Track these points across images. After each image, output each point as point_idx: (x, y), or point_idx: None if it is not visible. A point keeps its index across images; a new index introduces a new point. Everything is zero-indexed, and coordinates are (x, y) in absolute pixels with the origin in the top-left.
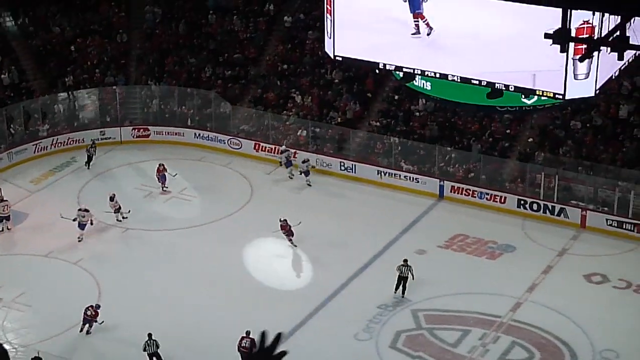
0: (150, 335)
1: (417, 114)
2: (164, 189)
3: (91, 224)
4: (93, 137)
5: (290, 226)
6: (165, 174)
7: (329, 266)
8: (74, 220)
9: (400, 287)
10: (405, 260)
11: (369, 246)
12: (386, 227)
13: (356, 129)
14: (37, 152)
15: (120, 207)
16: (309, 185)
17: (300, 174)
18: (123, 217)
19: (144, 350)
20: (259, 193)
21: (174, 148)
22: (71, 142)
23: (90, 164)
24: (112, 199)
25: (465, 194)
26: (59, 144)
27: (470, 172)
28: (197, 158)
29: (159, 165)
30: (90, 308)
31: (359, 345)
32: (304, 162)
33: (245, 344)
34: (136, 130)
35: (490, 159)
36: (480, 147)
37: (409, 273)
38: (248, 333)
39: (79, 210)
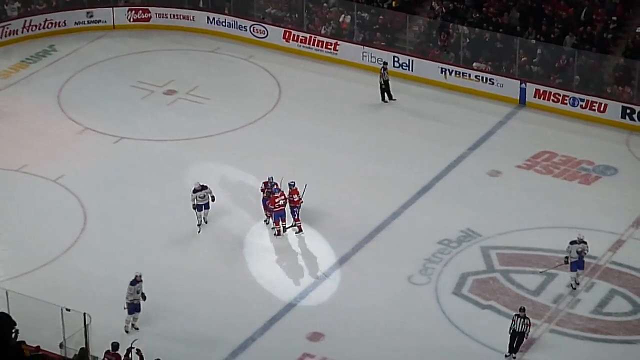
0: None
1: None
2: (296, 224)
3: (212, 200)
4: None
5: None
6: (295, 199)
7: (375, 190)
8: (195, 207)
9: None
10: (522, 310)
11: (427, 165)
12: (451, 141)
13: (414, 15)
14: (5, 36)
15: (209, 203)
16: None
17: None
18: (204, 221)
19: None
20: (288, 94)
21: (181, 35)
22: (49, 26)
23: (387, 94)
24: (198, 189)
25: (553, 100)
26: (33, 28)
27: (560, 72)
28: (210, 49)
29: (289, 189)
30: None
31: (414, 290)
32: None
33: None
34: (133, 11)
35: (587, 55)
36: (575, 39)
37: (527, 327)
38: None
39: (195, 191)
